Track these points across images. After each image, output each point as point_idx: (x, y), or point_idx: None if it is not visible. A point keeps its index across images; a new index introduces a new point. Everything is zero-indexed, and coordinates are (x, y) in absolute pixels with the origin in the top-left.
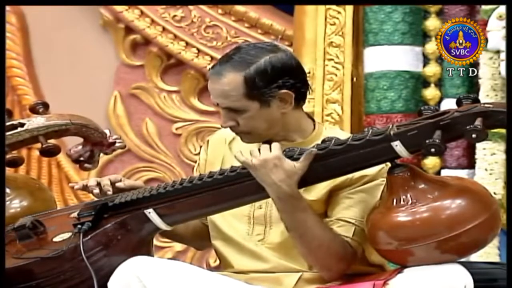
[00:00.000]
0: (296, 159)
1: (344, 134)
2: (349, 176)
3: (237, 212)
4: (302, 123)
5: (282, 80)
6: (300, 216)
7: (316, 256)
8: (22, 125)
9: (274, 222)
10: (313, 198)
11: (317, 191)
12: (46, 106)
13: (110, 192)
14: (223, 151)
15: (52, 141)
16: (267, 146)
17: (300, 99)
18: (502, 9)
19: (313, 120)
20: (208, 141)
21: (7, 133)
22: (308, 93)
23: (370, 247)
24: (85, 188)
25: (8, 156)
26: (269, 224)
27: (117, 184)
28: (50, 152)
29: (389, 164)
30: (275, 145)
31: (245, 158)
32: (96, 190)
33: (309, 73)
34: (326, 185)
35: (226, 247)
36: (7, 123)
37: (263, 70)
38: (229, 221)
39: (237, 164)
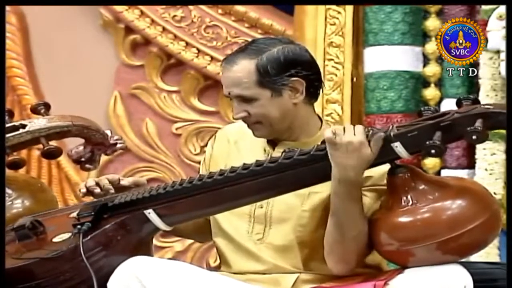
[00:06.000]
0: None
1: None
2: None
3: (238, 210)
4: (310, 120)
5: (295, 70)
6: (351, 204)
7: (346, 246)
8: (23, 126)
9: (274, 222)
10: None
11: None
12: (47, 106)
13: (112, 191)
14: (227, 148)
15: (53, 142)
16: (351, 127)
17: (312, 93)
18: (502, 9)
19: (321, 120)
20: (215, 136)
21: (9, 135)
22: (321, 90)
23: None
24: (88, 193)
25: (9, 158)
26: (269, 223)
27: (122, 182)
28: (51, 154)
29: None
30: (360, 128)
31: (331, 135)
32: (98, 190)
33: None
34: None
35: (226, 245)
36: (9, 124)
37: (276, 58)
38: (230, 219)
39: (239, 163)
